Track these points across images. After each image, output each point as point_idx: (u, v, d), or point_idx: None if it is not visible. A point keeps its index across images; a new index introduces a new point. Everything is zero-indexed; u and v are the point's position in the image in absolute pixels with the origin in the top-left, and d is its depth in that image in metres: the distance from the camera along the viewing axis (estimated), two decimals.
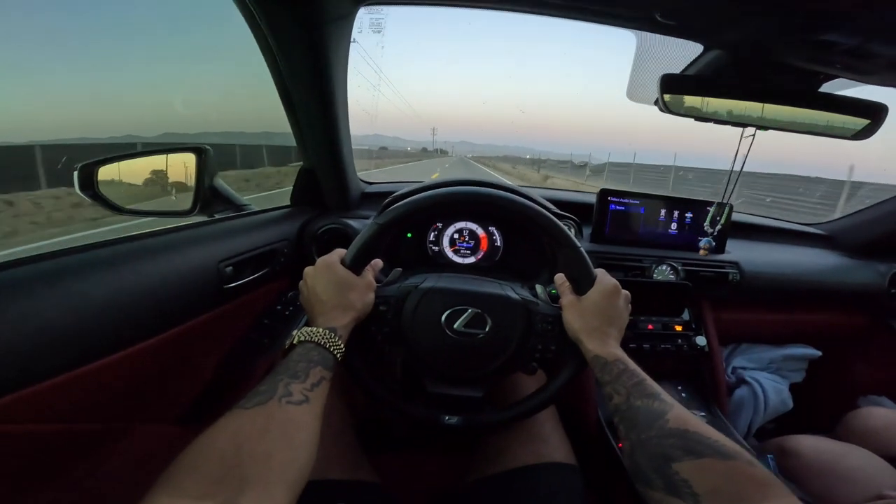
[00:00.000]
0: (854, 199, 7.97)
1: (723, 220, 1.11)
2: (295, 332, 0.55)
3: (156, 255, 0.65)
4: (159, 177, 0.90)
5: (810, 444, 0.92)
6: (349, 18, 0.80)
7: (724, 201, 1.09)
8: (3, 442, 0.46)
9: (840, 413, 1.10)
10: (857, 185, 8.36)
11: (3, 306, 0.45)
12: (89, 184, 0.79)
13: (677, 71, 0.96)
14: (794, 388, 1.34)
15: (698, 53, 0.90)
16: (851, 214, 1.41)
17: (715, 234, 1.14)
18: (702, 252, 1.15)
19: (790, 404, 1.29)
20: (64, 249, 0.56)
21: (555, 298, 0.71)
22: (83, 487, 0.58)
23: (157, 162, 0.89)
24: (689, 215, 1.15)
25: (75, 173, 0.78)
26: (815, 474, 0.86)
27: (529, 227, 0.67)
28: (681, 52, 0.92)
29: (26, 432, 0.48)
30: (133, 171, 0.87)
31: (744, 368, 1.32)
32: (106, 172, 0.81)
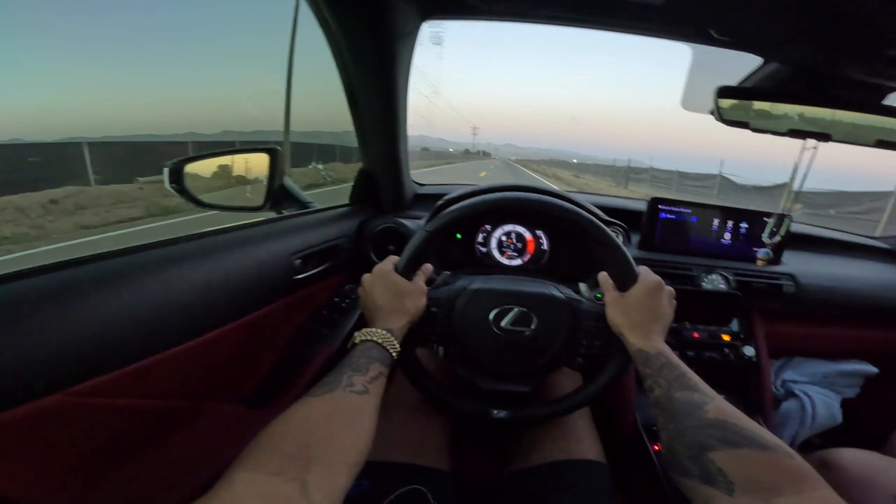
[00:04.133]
0: None
1: (781, 232, 1.13)
2: (356, 333, 0.63)
3: (241, 246, 0.76)
4: (235, 174, 1.03)
5: (851, 457, 0.93)
6: (415, 34, 0.89)
7: (789, 214, 1.12)
8: (108, 414, 0.53)
9: (893, 430, 1.11)
10: None
11: (119, 290, 0.53)
12: (177, 178, 0.90)
13: (733, 80, 1.01)
14: (847, 402, 1.34)
15: (756, 65, 0.94)
16: None
17: (774, 245, 1.15)
18: (759, 263, 1.16)
19: (839, 419, 1.29)
20: (169, 239, 0.66)
21: (599, 298, 0.76)
22: (167, 458, 0.66)
23: (234, 160, 1.02)
24: (743, 225, 1.18)
25: (166, 170, 0.91)
26: (854, 487, 0.87)
27: (571, 229, 0.72)
28: (738, 63, 0.96)
29: (127, 406, 0.55)
30: (213, 168, 1.00)
31: (794, 382, 1.33)
32: (191, 169, 0.93)
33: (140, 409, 0.58)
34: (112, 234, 6.73)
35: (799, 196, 1.09)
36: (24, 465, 0.47)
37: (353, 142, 1.11)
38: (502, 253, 1.16)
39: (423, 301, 0.72)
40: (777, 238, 1.14)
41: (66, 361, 0.47)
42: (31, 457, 0.47)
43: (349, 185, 1.20)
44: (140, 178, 9.68)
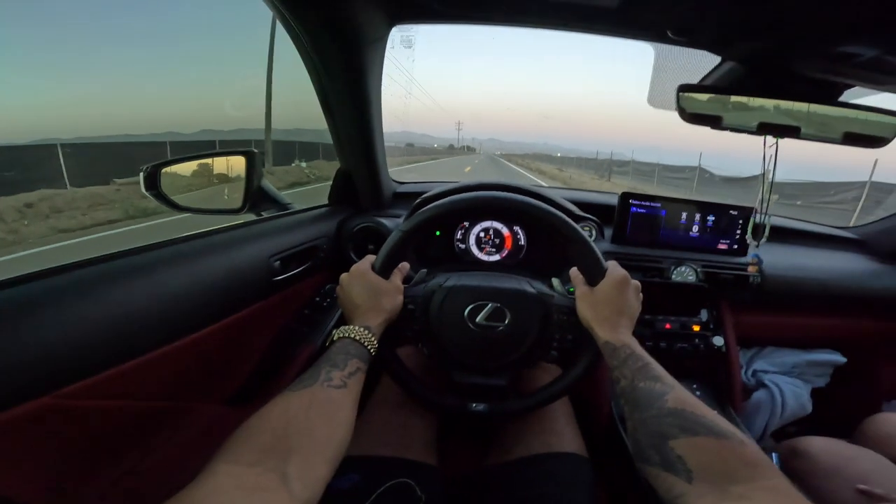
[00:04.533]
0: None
1: (766, 234, 1.12)
2: (335, 331, 0.65)
3: (221, 249, 0.78)
4: (213, 177, 1.04)
5: (821, 446, 0.95)
6: (384, 39, 0.92)
7: (753, 207, 1.15)
8: (95, 415, 0.55)
9: (863, 418, 1.13)
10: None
11: (102, 295, 0.55)
12: (153, 183, 0.92)
13: (697, 78, 1.05)
14: (817, 392, 1.39)
15: (716, 63, 0.98)
16: (885, 218, 1.44)
17: (759, 245, 1.16)
18: (751, 269, 1.18)
19: (809, 409, 1.34)
20: (149, 244, 0.68)
21: (571, 292, 0.79)
22: (153, 458, 0.68)
23: (211, 163, 1.03)
24: (710, 218, 1.22)
25: (141, 174, 0.92)
26: (824, 476, 0.89)
27: (541, 226, 0.74)
28: (700, 61, 1.00)
29: (112, 408, 0.57)
30: (190, 171, 1.01)
31: (765, 372, 1.38)
32: (168, 173, 0.94)
33: (125, 411, 0.60)
34: (90, 237, 6.64)
35: (765, 184, 1.11)
36: (15, 467, 0.49)
37: None
38: (481, 249, 1.19)
39: (399, 299, 0.75)
40: (763, 238, 1.14)
41: (54, 365, 0.48)
42: (22, 459, 0.49)
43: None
44: (117, 180, 9.53)
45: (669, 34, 0.83)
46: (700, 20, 0.80)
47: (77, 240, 6.45)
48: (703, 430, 0.47)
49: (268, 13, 0.83)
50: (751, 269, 1.19)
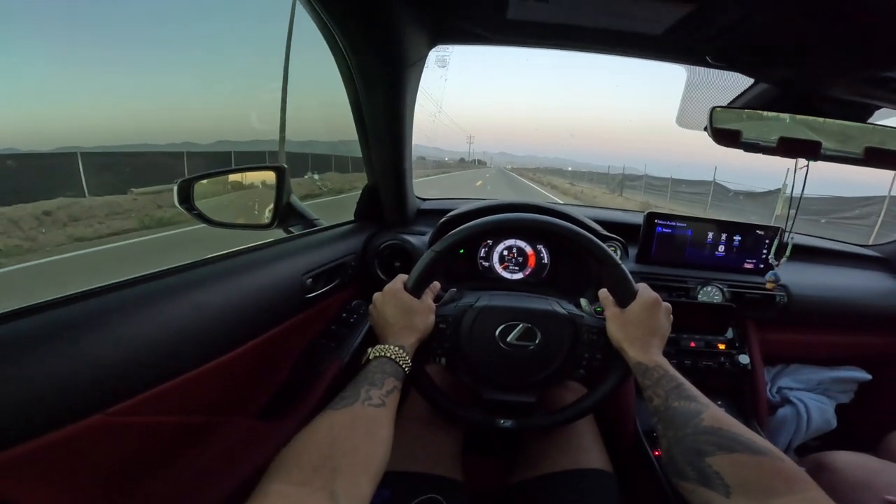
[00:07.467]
0: None
1: (787, 254, 1.11)
2: (370, 350, 0.66)
3: (256, 267, 0.78)
4: (243, 192, 1.05)
5: (847, 460, 0.95)
6: (424, 59, 0.93)
7: (781, 228, 1.13)
8: (140, 432, 0.56)
9: (885, 433, 1.13)
10: None
11: (150, 314, 0.56)
12: (186, 197, 0.92)
13: (727, 99, 1.04)
14: (841, 407, 1.37)
15: (748, 84, 0.98)
16: None
17: (779, 265, 1.14)
18: (769, 286, 1.17)
19: (834, 424, 1.32)
20: (190, 263, 0.68)
21: (599, 312, 0.79)
22: (190, 471, 0.68)
23: (241, 178, 1.04)
24: (737, 238, 1.21)
25: (175, 188, 0.93)
26: (850, 489, 0.89)
27: (573, 247, 0.76)
28: (731, 82, 1.00)
29: (156, 424, 0.58)
30: (222, 186, 1.02)
31: (790, 389, 1.36)
32: (200, 187, 0.95)
33: (166, 427, 0.61)
34: (107, 246, 6.67)
35: (792, 205, 1.10)
36: (70, 482, 0.49)
37: (348, 151, 1.14)
38: (503, 267, 1.19)
39: (431, 318, 0.75)
40: (784, 258, 1.12)
41: (106, 383, 0.49)
42: (76, 475, 0.50)
43: (346, 196, 1.22)
44: (134, 189, 9.64)
45: (709, 59, 0.83)
46: (742, 46, 0.79)
47: (93, 249, 6.45)
48: (740, 446, 0.48)
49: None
50: (768, 285, 1.18)
